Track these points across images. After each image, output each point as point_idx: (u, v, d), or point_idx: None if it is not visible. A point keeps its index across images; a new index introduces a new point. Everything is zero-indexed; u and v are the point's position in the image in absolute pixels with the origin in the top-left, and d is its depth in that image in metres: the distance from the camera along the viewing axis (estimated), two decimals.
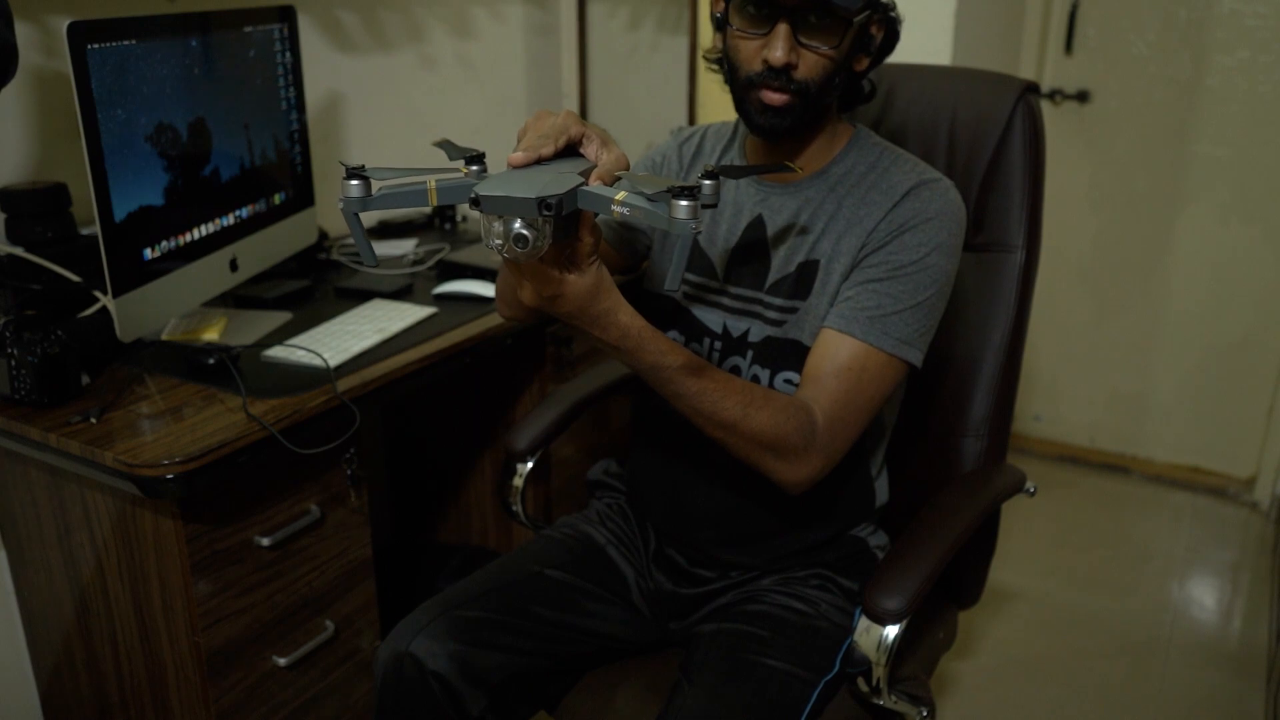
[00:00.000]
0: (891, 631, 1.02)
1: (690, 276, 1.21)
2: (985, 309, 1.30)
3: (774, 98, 1.05)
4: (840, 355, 1.07)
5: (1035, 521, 2.50)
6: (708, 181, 0.85)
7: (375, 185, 0.86)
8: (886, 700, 1.07)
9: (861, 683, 1.07)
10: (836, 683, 1.12)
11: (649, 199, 0.82)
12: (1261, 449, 2.63)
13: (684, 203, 0.78)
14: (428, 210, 1.98)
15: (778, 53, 1.02)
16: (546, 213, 0.79)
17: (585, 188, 0.84)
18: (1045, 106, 2.64)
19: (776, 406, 1.03)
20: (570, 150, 0.93)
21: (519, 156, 0.88)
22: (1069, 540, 2.49)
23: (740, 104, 1.09)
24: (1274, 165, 2.48)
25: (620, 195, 0.83)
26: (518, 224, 0.81)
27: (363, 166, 0.85)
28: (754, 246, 1.16)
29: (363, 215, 0.87)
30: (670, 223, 0.79)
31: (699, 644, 1.15)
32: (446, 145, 0.95)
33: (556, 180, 0.83)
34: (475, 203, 0.81)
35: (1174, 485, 2.75)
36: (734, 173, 0.98)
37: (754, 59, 1.05)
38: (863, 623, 1.04)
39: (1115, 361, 2.80)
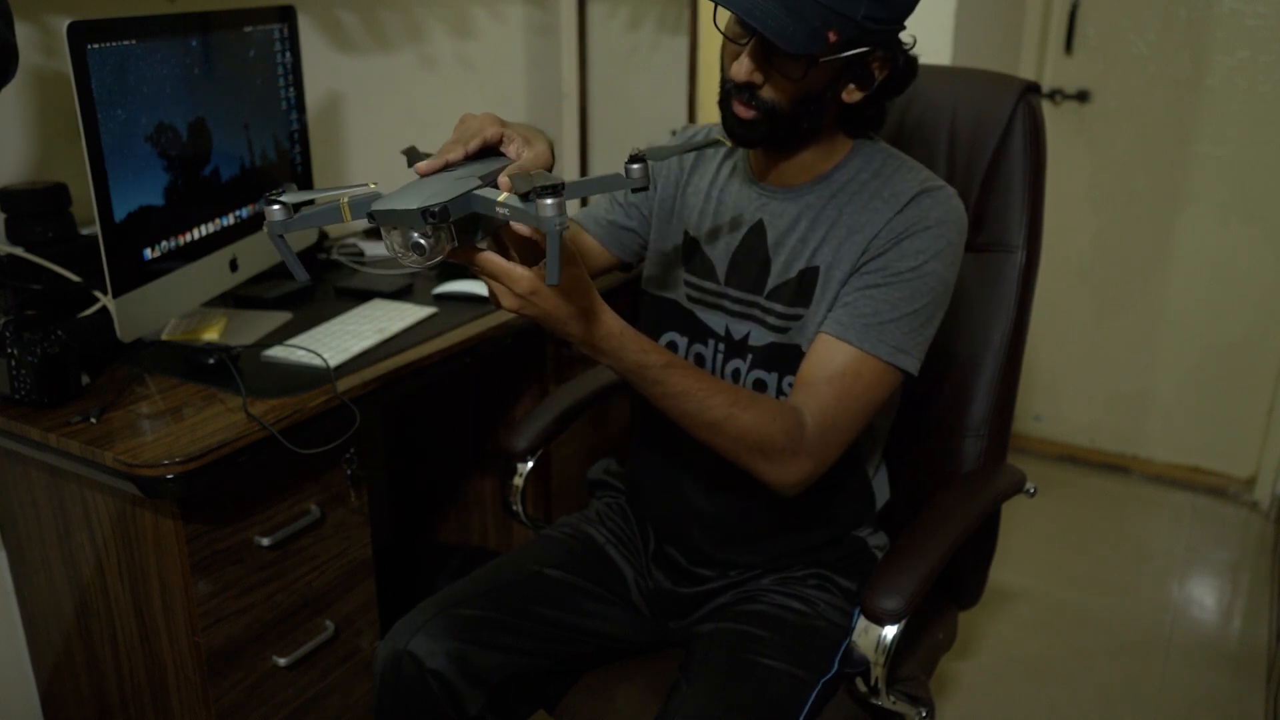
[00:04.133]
0: (890, 632, 1.02)
1: (692, 279, 1.21)
2: (985, 309, 1.30)
3: (742, 110, 1.05)
4: (835, 361, 1.06)
5: (1035, 521, 2.50)
6: (635, 165, 0.88)
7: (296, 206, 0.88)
8: (885, 701, 1.07)
9: (860, 683, 1.07)
10: (835, 683, 1.12)
11: (522, 198, 0.83)
12: (1261, 449, 2.63)
13: (548, 201, 0.80)
14: None
15: (739, 70, 1.02)
16: (431, 220, 0.81)
17: (477, 191, 0.86)
18: (1045, 106, 2.63)
19: (762, 408, 1.04)
20: (492, 151, 0.94)
21: (424, 165, 0.89)
22: (1069, 540, 2.49)
23: (720, 103, 1.10)
24: (1274, 165, 2.48)
25: (502, 197, 0.84)
26: (414, 233, 0.83)
27: (281, 190, 0.88)
28: (754, 251, 1.16)
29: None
30: (539, 220, 0.81)
31: (698, 644, 1.15)
32: (410, 152, 0.96)
33: (447, 187, 0.85)
34: (371, 218, 0.84)
35: (1174, 485, 2.75)
36: (660, 153, 1.00)
37: (729, 67, 1.06)
38: (861, 623, 1.04)
39: (1115, 361, 2.80)
